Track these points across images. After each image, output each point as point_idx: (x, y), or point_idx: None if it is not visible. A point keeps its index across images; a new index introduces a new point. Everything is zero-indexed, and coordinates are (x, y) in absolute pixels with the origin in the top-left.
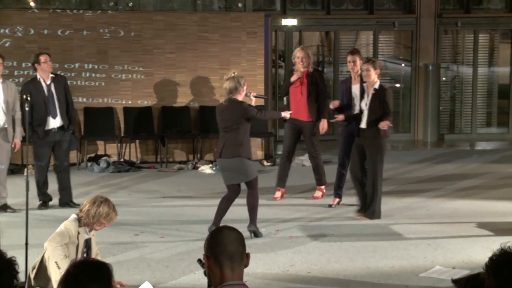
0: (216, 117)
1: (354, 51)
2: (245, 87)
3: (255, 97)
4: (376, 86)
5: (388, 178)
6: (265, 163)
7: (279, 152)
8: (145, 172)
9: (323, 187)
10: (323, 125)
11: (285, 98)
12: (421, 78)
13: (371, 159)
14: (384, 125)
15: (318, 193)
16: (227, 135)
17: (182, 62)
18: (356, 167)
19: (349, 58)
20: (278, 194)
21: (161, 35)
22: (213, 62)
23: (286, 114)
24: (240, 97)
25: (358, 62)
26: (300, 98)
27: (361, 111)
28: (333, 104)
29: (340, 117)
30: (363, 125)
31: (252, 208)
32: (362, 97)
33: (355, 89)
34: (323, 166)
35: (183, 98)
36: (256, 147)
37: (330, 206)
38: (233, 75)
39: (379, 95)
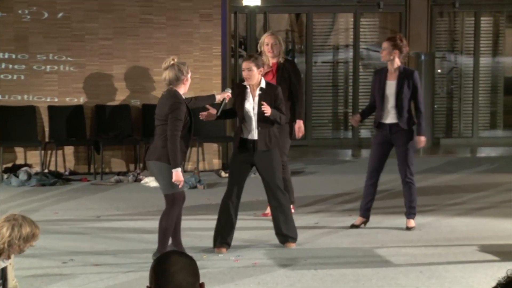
0: None
1: (390, 38)
2: (189, 75)
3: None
4: (263, 85)
5: None
6: (223, 174)
7: None
8: (75, 186)
9: (292, 206)
10: (300, 127)
11: None
12: None
13: (269, 176)
14: (267, 111)
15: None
16: (157, 134)
17: (121, 51)
18: (239, 191)
19: (384, 45)
20: (268, 209)
21: (94, 18)
22: (158, 50)
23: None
24: (184, 88)
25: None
26: None
27: (244, 119)
28: (354, 120)
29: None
30: (251, 135)
31: (163, 232)
32: (245, 99)
33: (391, 86)
34: (291, 180)
35: (122, 95)
36: (212, 154)
37: (354, 226)
38: (172, 62)
39: (269, 94)
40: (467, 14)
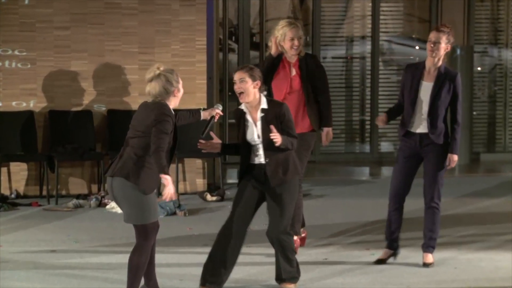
0: None
1: (442, 29)
2: (180, 85)
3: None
4: (264, 105)
5: None
6: (209, 197)
7: (230, 181)
8: (24, 212)
9: (303, 234)
10: (328, 135)
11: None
12: None
13: (278, 207)
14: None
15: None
16: (129, 147)
17: (81, 43)
18: (245, 221)
19: (432, 36)
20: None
21: (47, 2)
22: (128, 43)
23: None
24: (174, 101)
25: (443, 44)
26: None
27: (249, 146)
28: (380, 119)
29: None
30: (258, 160)
31: (135, 271)
32: (245, 126)
33: (426, 88)
34: (302, 203)
35: (83, 99)
36: (195, 173)
37: (380, 261)
38: (158, 71)
39: (273, 116)
40: None
